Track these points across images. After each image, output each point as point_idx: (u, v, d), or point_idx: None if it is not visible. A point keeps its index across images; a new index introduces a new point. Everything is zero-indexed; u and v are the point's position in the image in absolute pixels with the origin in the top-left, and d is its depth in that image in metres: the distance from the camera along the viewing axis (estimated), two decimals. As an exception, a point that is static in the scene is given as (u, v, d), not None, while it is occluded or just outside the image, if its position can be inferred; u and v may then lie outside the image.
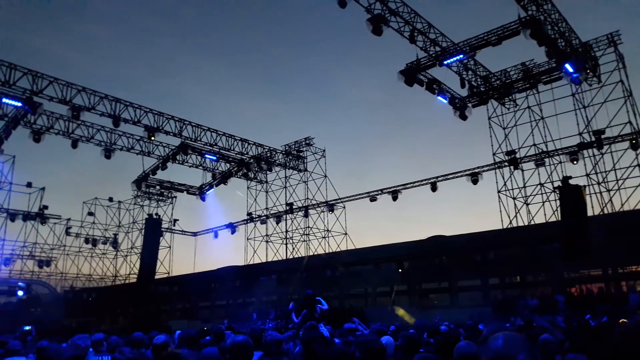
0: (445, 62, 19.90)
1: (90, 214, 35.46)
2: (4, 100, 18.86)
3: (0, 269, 30.15)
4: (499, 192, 24.99)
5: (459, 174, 24.80)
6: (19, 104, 19.13)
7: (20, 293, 31.41)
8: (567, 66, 19.13)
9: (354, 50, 67.04)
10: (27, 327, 8.09)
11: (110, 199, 36.30)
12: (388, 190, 26.76)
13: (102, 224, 36.24)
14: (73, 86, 20.31)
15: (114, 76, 67.42)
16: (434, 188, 25.29)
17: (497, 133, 25.87)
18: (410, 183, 26.36)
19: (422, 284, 26.97)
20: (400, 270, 25.73)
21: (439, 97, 21.78)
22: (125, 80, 67.96)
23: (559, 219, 21.36)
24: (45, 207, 31.29)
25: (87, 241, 35.23)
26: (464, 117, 23.00)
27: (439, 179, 25.34)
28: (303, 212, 30.73)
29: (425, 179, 25.76)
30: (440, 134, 56.94)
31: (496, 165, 24.85)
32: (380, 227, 54.85)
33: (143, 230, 33.19)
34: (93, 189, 66.06)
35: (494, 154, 25.36)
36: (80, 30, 69.58)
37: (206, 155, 26.57)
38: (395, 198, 26.52)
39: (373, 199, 27.29)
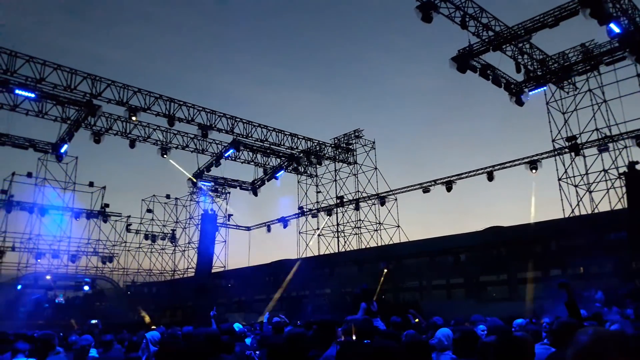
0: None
1: (149, 211, 36.73)
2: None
3: (67, 265, 31.79)
4: (559, 180, 23.93)
5: (516, 162, 23.89)
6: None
7: (86, 288, 33.10)
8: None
9: (404, 38, 66.07)
10: (94, 321, 8.41)
11: (168, 196, 37.45)
12: (442, 180, 26.15)
13: (160, 220, 37.50)
14: (129, 88, 21.04)
15: (167, 76, 69.54)
16: (490, 177, 24.50)
17: (556, 118, 24.76)
18: (465, 173, 25.66)
19: (480, 277, 26.26)
20: (456, 263, 25.17)
21: (494, 83, 21.05)
22: (178, 80, 69.97)
23: (625, 206, 20.25)
24: (107, 206, 32.65)
25: (146, 237, 36.55)
26: (520, 103, 22.12)
27: (496, 167, 24.53)
28: (354, 205, 30.61)
29: (481, 168, 25.00)
30: (495, 121, 55.27)
31: (556, 152, 23.77)
32: (434, 219, 53.93)
33: (199, 226, 34.12)
34: (151, 187, 68.69)
35: (553, 141, 24.29)
36: (134, 34, 72.10)
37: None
38: (449, 189, 25.88)
39: (426, 190, 26.77)
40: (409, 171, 58.09)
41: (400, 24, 57.26)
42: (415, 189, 27.70)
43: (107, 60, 67.23)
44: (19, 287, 27.93)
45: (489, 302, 23.64)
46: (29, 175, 28.73)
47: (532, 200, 23.83)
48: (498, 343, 2.93)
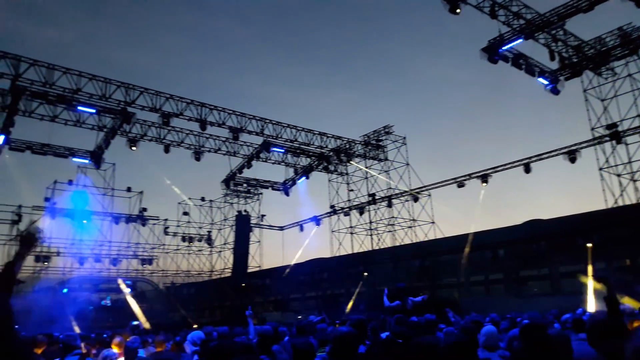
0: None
1: (185, 213, 37.34)
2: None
3: (109, 268, 32.69)
4: (600, 169, 23.11)
5: (554, 153, 23.18)
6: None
7: (127, 290, 33.93)
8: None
9: (432, 31, 65.16)
10: (135, 322, 8.59)
11: (202, 199, 37.98)
12: (477, 174, 25.64)
13: (196, 223, 38.05)
14: (161, 94, 21.49)
15: (198, 82, 70.71)
16: (527, 169, 23.86)
17: (595, 106, 23.92)
18: (501, 166, 25.07)
19: (520, 272, 25.66)
20: (494, 258, 24.70)
21: (527, 73, 20.50)
22: (208, 84, 71.00)
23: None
24: (145, 210, 33.36)
25: (183, 239, 37.19)
26: (555, 91, 21.48)
27: (533, 159, 23.87)
28: (386, 202, 30.36)
29: (518, 160, 24.36)
30: (530, 111, 53.90)
31: (596, 141, 22.94)
32: (470, 214, 52.88)
33: (234, 227, 34.55)
34: (186, 190, 69.84)
35: (592, 129, 23.47)
36: (164, 41, 73.60)
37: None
38: (485, 182, 25.38)
39: (461, 185, 26.29)
40: (443, 166, 57.32)
41: (428, 17, 56.49)
42: (449, 184, 27.26)
43: (139, 68, 68.87)
44: (65, 290, 28.91)
45: (531, 298, 23.07)
46: (70, 182, 29.63)
47: (572, 191, 23.10)
48: (529, 342, 2.83)
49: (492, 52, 19.47)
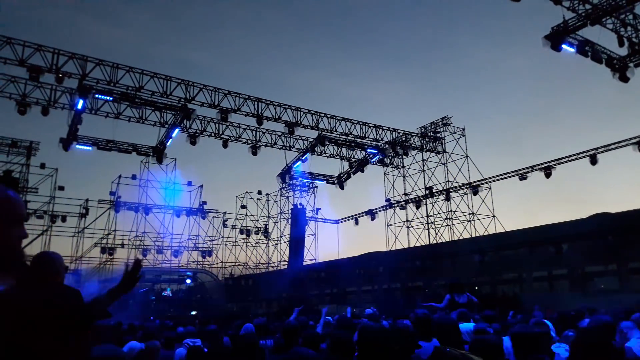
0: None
1: (243, 206, 38.16)
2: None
3: (170, 260, 33.99)
4: (677, 160, 21.56)
5: (623, 144, 21.88)
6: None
7: (188, 281, 35.21)
8: None
9: (492, 19, 62.90)
10: (194, 312, 8.80)
11: (259, 192, 38.68)
12: (540, 166, 24.60)
13: (253, 216, 38.84)
14: (220, 91, 22.01)
15: (255, 77, 71.85)
16: (593, 161, 22.66)
17: (671, 92, 22.27)
18: (566, 157, 23.93)
19: (585, 267, 24.42)
20: (558, 253, 23.63)
21: (594, 60, 19.33)
22: (265, 80, 72.03)
23: None
24: (204, 203, 34.45)
25: (241, 232, 38.05)
26: (624, 79, 20.13)
27: (599, 150, 22.64)
28: (444, 195, 29.71)
29: (583, 152, 23.19)
30: (597, 100, 51.02)
31: (672, 130, 21.42)
32: (532, 208, 50.95)
33: (290, 220, 34.97)
34: (244, 184, 71.60)
35: (668, 117, 21.90)
36: (219, 37, 75.24)
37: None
38: (548, 175, 24.29)
39: (523, 177, 25.33)
40: (504, 158, 55.27)
41: (488, 4, 54.45)
42: (510, 177, 26.35)
43: (197, 64, 70.80)
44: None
45: (597, 294, 21.92)
46: (134, 177, 30.98)
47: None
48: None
49: (556, 39, 18.49)
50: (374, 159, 28.40)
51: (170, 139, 23.48)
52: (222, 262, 39.30)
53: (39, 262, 2.21)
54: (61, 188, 29.05)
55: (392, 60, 71.28)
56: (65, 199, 30.02)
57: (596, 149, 22.69)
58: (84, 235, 31.53)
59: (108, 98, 20.36)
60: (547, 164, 24.36)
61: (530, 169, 25.09)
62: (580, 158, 23.34)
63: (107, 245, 30.93)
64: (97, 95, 20.21)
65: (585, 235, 24.08)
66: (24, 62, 17.81)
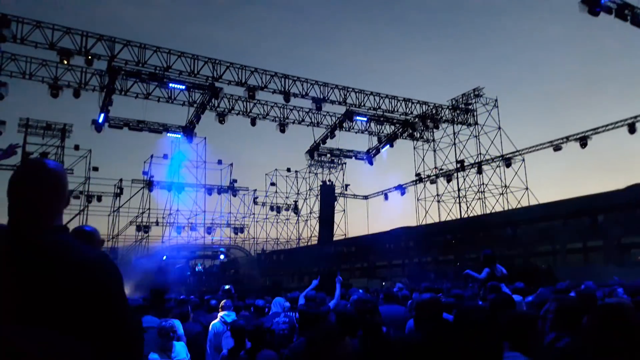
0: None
1: (272, 184, 38.45)
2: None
3: (204, 236, 34.71)
4: None
5: (665, 111, 20.96)
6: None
7: (221, 257, 35.89)
8: None
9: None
10: (227, 286, 8.97)
11: (288, 170, 38.83)
12: (575, 136, 23.84)
13: (283, 193, 39.11)
14: (247, 68, 21.95)
15: (281, 54, 71.44)
16: (632, 129, 21.85)
17: None
18: (602, 126, 23.10)
19: (622, 239, 23.77)
20: (593, 225, 23.04)
21: (633, 24, 18.39)
22: (291, 56, 71.56)
23: None
24: (235, 181, 34.84)
25: (272, 208, 38.44)
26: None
27: (639, 118, 21.75)
28: (476, 168, 29.18)
29: (621, 120, 22.36)
30: (636, 67, 48.80)
31: None
32: (567, 179, 49.74)
33: (319, 196, 35.09)
34: (273, 161, 72.01)
35: None
36: (246, 14, 74.79)
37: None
38: (584, 145, 23.54)
39: (557, 148, 24.63)
40: (537, 129, 53.74)
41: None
42: (545, 148, 25.66)
43: (224, 43, 70.73)
44: (164, 257, 31.10)
45: (633, 266, 21.35)
46: (165, 156, 31.46)
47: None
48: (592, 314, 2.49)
49: (593, 3, 17.64)
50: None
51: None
52: (254, 238, 39.95)
53: (74, 235, 2.35)
54: (95, 169, 29.77)
55: (421, 32, 69.67)
56: (99, 179, 30.78)
57: (635, 117, 21.82)
58: (119, 214, 32.44)
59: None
60: (583, 134, 23.60)
61: (565, 140, 24.36)
62: (618, 127, 22.52)
63: (142, 223, 31.73)
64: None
65: (621, 206, 23.40)
66: (53, 46, 18.10)
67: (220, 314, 6.59)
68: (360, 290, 9.50)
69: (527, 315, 3.09)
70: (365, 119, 26.61)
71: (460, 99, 29.40)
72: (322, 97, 23.52)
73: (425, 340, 3.01)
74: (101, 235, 2.78)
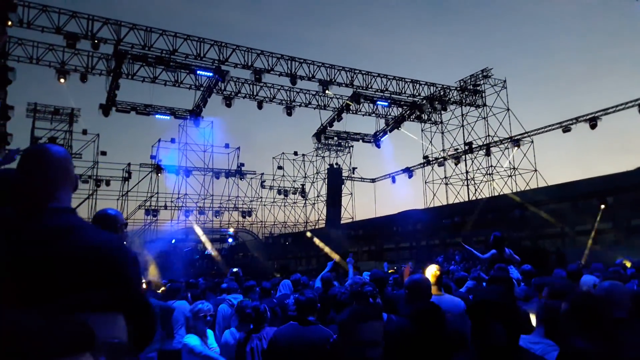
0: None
1: (280, 167, 38.47)
2: (199, 72, 21.32)
3: (212, 220, 34.91)
4: None
5: (678, 91, 20.59)
6: (210, 74, 21.39)
7: (230, 240, 36.14)
8: None
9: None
10: (235, 269, 9.05)
11: (295, 153, 38.78)
12: (584, 117, 23.52)
13: (290, 176, 39.14)
14: (253, 51, 21.80)
15: (287, 35, 70.83)
16: (643, 110, 21.50)
17: None
18: (612, 107, 22.77)
19: (632, 220, 23.60)
20: (603, 207, 22.86)
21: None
22: (297, 38, 70.91)
23: None
24: (242, 165, 34.88)
25: (279, 192, 38.52)
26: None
27: (650, 98, 21.43)
28: (484, 150, 28.97)
29: (632, 101, 22.00)
30: (647, 44, 47.92)
31: None
32: (576, 161, 49.30)
33: (326, 180, 35.07)
34: (280, 145, 71.89)
35: None
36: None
37: (378, 102, 26.41)
38: (593, 126, 23.22)
39: (567, 130, 24.33)
40: (546, 110, 53.15)
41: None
42: (553, 129, 25.37)
43: (229, 24, 70.15)
44: (173, 241, 31.34)
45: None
46: (172, 140, 31.52)
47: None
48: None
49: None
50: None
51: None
52: (261, 221, 40.12)
53: (94, 219, 2.49)
54: (103, 153, 29.91)
55: (429, 12, 68.68)
56: (107, 163, 30.94)
57: (646, 97, 21.48)
58: (128, 198, 32.63)
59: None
60: (593, 115, 23.27)
61: (574, 121, 24.05)
62: (628, 107, 22.18)
63: (151, 207, 31.93)
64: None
65: (631, 188, 23.20)
66: (60, 30, 18.05)
67: (227, 296, 6.64)
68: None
69: (595, 298, 2.67)
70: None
71: (469, 80, 29.09)
72: (328, 79, 23.35)
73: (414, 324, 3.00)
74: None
